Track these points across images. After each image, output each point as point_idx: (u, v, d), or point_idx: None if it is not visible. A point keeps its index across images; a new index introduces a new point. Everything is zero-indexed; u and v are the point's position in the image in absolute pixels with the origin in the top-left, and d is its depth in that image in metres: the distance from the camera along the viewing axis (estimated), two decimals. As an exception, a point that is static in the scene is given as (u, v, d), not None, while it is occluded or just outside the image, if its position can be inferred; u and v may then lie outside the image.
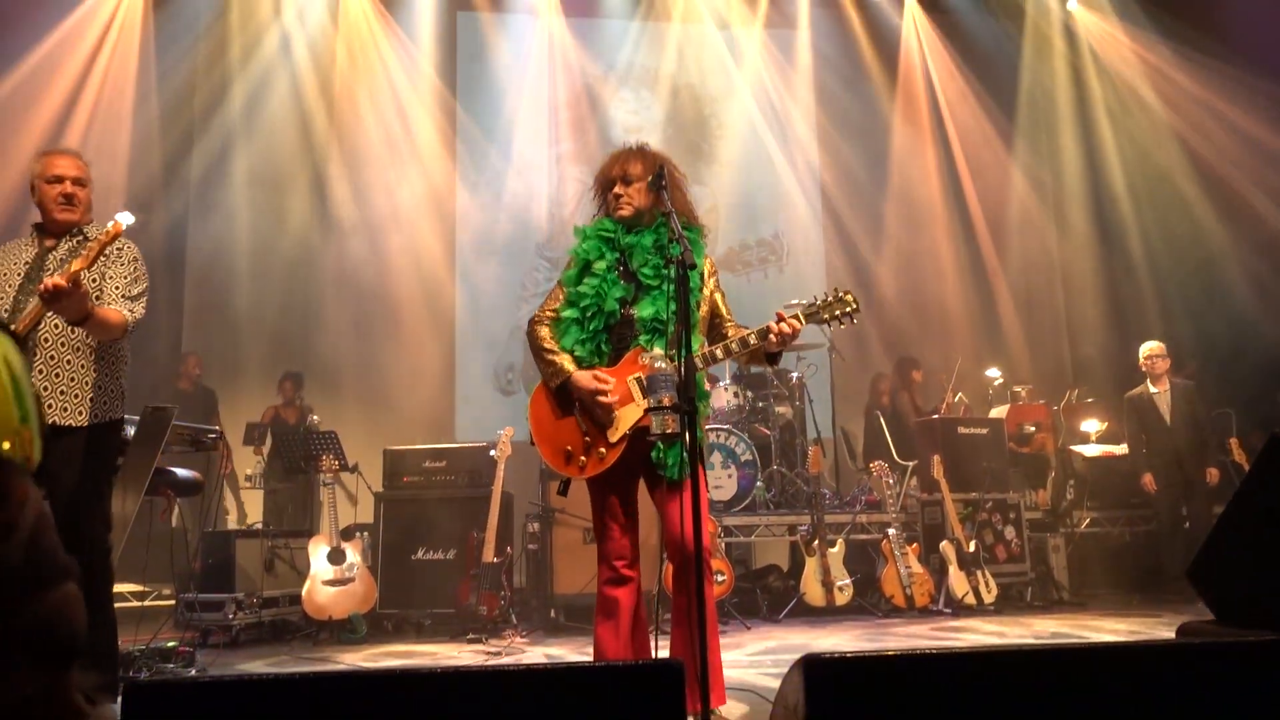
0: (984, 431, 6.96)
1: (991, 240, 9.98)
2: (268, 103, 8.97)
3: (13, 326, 2.99)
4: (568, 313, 2.86)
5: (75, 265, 2.93)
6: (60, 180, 3.22)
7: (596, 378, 2.76)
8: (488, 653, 4.79)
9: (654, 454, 2.73)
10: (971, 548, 6.09)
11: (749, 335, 2.80)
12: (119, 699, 2.96)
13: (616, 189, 2.90)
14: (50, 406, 3.07)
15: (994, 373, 8.26)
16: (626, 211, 2.89)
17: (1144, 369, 6.90)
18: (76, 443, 3.12)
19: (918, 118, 10.03)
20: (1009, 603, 6.22)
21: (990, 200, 10.02)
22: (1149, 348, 6.91)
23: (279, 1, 9.00)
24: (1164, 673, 1.57)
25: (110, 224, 3.04)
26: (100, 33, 8.32)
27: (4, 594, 0.74)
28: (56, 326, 3.12)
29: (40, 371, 3.08)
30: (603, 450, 2.75)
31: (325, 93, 9.16)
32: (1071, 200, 9.96)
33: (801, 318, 2.79)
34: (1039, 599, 6.35)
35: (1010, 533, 6.51)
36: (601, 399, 2.73)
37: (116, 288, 3.18)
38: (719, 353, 2.80)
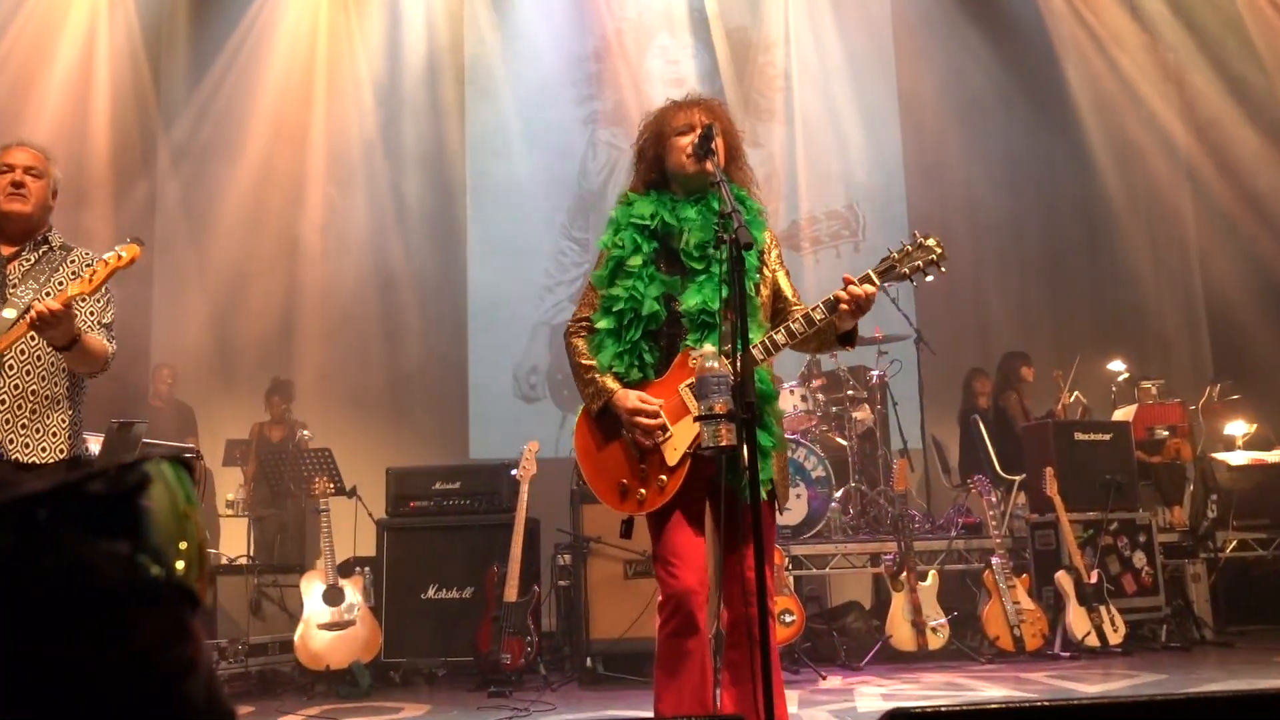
0: (1106, 437, 6.85)
1: (1115, 210, 9.80)
2: (252, 96, 9.14)
3: None
4: (602, 323, 2.78)
5: (74, 289, 2.98)
6: (11, 169, 3.30)
7: (641, 398, 2.68)
8: (513, 709, 4.81)
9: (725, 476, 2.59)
10: (1093, 579, 6.00)
11: (814, 311, 2.68)
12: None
13: (682, 139, 2.77)
14: (12, 442, 3.11)
15: (1117, 366, 8.10)
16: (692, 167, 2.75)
17: None
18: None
19: (1024, 64, 9.85)
20: (1140, 643, 6.12)
21: (1115, 160, 9.81)
22: None
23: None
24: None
25: (122, 249, 3.04)
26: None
27: None
28: (23, 352, 3.15)
29: (2, 402, 3.12)
30: (663, 478, 2.66)
31: (308, 81, 9.32)
32: (1213, 156, 9.66)
33: (875, 277, 2.68)
34: (1176, 639, 6.24)
35: (1140, 559, 6.40)
36: (641, 420, 2.65)
37: (91, 313, 3.24)
38: (780, 338, 2.69)
